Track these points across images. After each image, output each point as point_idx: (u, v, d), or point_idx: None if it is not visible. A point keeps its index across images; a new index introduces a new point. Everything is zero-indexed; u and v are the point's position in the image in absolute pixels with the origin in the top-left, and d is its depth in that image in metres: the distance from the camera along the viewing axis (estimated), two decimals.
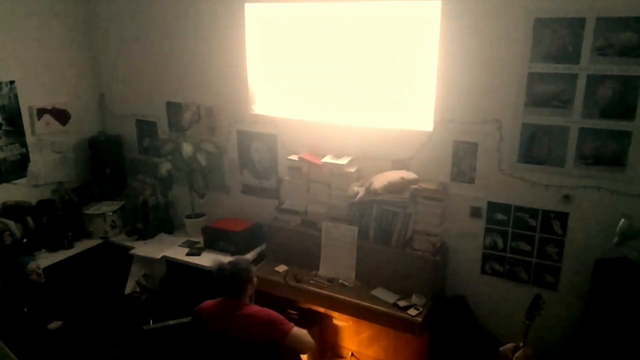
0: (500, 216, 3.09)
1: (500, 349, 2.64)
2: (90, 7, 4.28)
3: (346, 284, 3.28)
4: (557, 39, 2.71)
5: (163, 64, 4.07)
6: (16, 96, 3.84)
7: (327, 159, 3.39)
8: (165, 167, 3.83)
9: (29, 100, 3.92)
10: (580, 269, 2.92)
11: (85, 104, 4.38)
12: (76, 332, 3.44)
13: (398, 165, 3.28)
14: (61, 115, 4.18)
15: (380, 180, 3.15)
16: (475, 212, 3.15)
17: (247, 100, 3.73)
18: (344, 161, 3.34)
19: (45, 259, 3.65)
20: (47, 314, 3.21)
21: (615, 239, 2.61)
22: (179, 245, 3.89)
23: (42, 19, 3.97)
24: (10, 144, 3.85)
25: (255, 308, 2.64)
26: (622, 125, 2.66)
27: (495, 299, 3.22)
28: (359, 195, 3.21)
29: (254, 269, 2.74)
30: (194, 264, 3.63)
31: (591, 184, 2.81)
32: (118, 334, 3.78)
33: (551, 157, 2.87)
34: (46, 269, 3.39)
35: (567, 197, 2.88)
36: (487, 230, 3.14)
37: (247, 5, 3.52)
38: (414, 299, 3.06)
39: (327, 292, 3.22)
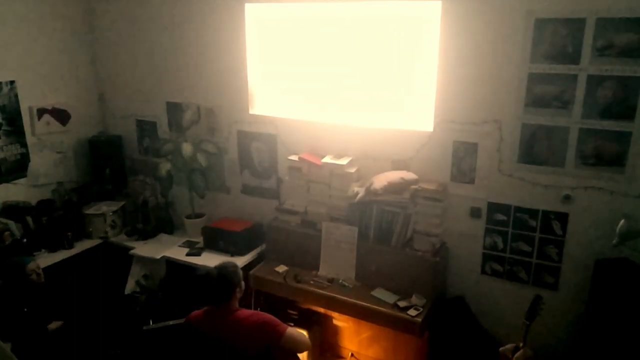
0: (500, 216, 3.09)
1: (500, 349, 2.64)
2: (90, 7, 4.28)
3: (346, 284, 3.28)
4: (557, 39, 2.71)
5: (163, 64, 4.07)
6: (16, 96, 3.84)
7: (327, 159, 3.39)
8: (165, 167, 3.83)
9: (29, 100, 3.92)
10: (580, 270, 2.92)
11: (85, 104, 4.38)
12: (76, 332, 3.44)
13: (398, 165, 3.28)
14: (61, 115, 4.18)
15: (381, 181, 3.15)
16: (475, 213, 3.15)
17: (247, 101, 3.73)
18: (344, 161, 3.34)
19: (45, 259, 3.65)
20: (47, 314, 3.21)
21: (615, 240, 2.60)
22: (179, 246, 3.89)
23: (43, 20, 3.97)
24: (11, 143, 3.85)
25: (246, 313, 2.57)
26: (622, 125, 2.66)
27: (495, 300, 3.22)
28: (359, 195, 3.21)
29: (241, 272, 2.67)
30: (194, 264, 3.63)
31: (591, 185, 2.81)
32: (118, 334, 3.78)
33: (551, 157, 2.87)
34: (46, 269, 3.38)
35: (567, 198, 2.88)
36: (487, 231, 3.14)
37: (247, 6, 3.52)
38: (414, 299, 3.06)
39: (327, 293, 3.22)
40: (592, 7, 2.60)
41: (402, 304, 3.04)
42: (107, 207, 4.16)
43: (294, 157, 3.51)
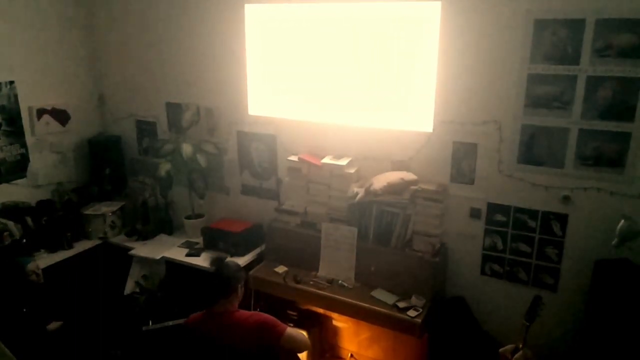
0: (499, 217, 3.09)
1: (500, 350, 2.65)
2: (90, 7, 4.28)
3: (346, 284, 3.28)
4: (556, 40, 2.71)
5: (163, 65, 4.07)
6: (16, 96, 3.84)
7: (327, 159, 3.39)
8: (164, 167, 3.83)
9: (28, 101, 3.92)
10: (579, 270, 2.92)
11: (84, 104, 4.38)
12: (75, 333, 3.44)
13: (398, 166, 3.28)
14: (61, 116, 4.18)
15: (380, 181, 3.15)
16: (474, 213, 3.15)
17: (247, 101, 3.72)
18: (343, 162, 3.34)
19: (44, 260, 3.64)
20: (46, 315, 3.21)
21: (615, 240, 2.61)
22: (179, 246, 3.89)
23: (42, 20, 3.97)
24: (10, 144, 3.85)
25: (245, 314, 2.57)
26: (621, 126, 2.66)
27: (494, 300, 3.22)
28: (359, 196, 3.21)
29: (244, 275, 2.70)
30: (194, 264, 3.63)
31: (591, 185, 2.81)
32: (117, 334, 3.78)
33: (551, 158, 2.87)
34: (45, 270, 3.39)
35: (566, 198, 2.88)
36: (487, 231, 3.14)
37: (247, 6, 3.52)
38: (414, 300, 3.06)
39: (327, 293, 3.22)
40: (591, 8, 2.60)
41: (401, 304, 3.04)
42: (106, 208, 4.16)
43: (294, 158, 3.51)
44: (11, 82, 3.80)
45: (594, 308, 2.71)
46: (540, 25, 2.73)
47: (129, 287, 3.84)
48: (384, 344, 3.36)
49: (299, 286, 3.30)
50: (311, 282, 3.32)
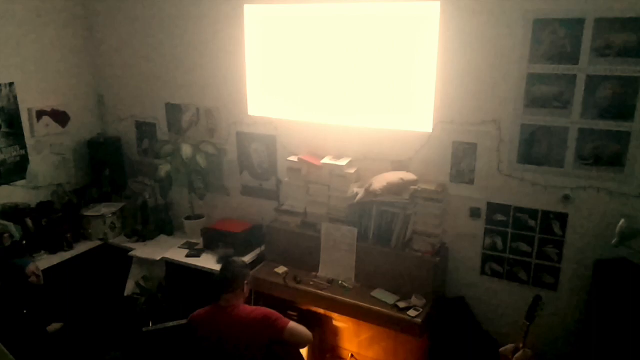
0: (499, 217, 3.08)
1: (500, 350, 2.65)
2: (89, 8, 4.28)
3: (346, 285, 3.28)
4: (556, 39, 2.71)
5: (162, 66, 4.07)
6: (15, 98, 3.84)
7: (327, 160, 3.39)
8: (164, 168, 3.83)
9: (28, 102, 3.92)
10: (579, 270, 2.92)
11: (84, 105, 4.38)
12: (76, 334, 3.44)
13: (397, 166, 3.28)
14: (60, 117, 4.18)
15: (380, 181, 3.15)
16: (474, 213, 3.15)
17: (247, 102, 3.72)
18: (343, 162, 3.34)
19: (44, 261, 3.65)
20: (46, 316, 3.21)
21: (615, 240, 2.60)
22: (179, 247, 3.89)
23: (42, 21, 3.97)
24: (10, 145, 3.85)
25: (248, 308, 2.64)
26: (621, 125, 2.66)
27: (495, 300, 3.22)
28: (359, 196, 3.21)
29: (249, 273, 2.77)
30: (194, 265, 3.63)
31: (591, 185, 2.81)
32: (117, 335, 3.78)
33: (551, 157, 2.87)
34: (45, 271, 3.38)
35: (566, 198, 2.88)
36: (487, 231, 3.14)
37: (246, 7, 3.52)
38: (414, 300, 3.06)
39: (327, 294, 3.22)
40: (590, 8, 2.60)
41: (402, 304, 3.04)
42: (106, 209, 4.16)
43: (294, 158, 3.51)
44: (11, 84, 3.80)
45: (594, 307, 2.71)
46: (540, 24, 2.73)
47: (129, 288, 3.84)
48: (385, 344, 3.36)
49: (299, 287, 3.30)
50: (311, 283, 3.32)
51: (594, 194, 2.81)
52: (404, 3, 3.05)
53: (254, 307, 2.68)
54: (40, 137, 4.03)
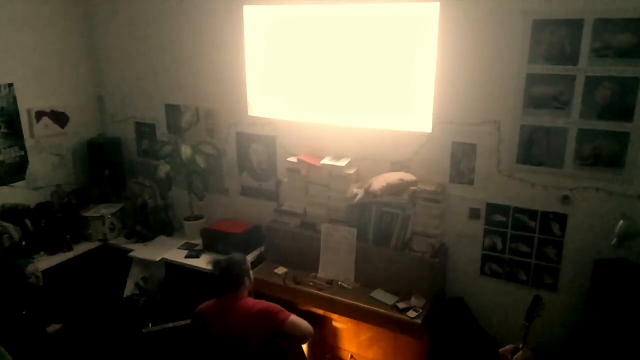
0: (499, 217, 3.09)
1: (500, 350, 2.65)
2: (89, 10, 4.28)
3: (346, 286, 3.28)
4: (555, 40, 2.72)
5: (162, 67, 4.07)
6: (15, 99, 3.84)
7: (326, 160, 3.39)
8: (164, 169, 3.83)
9: (27, 103, 3.92)
10: (579, 270, 2.92)
11: (84, 106, 4.38)
12: (75, 335, 3.43)
13: (397, 166, 3.28)
14: (60, 118, 4.18)
15: (380, 182, 3.15)
16: (474, 214, 3.15)
17: (246, 102, 3.73)
18: (343, 163, 3.34)
19: (44, 262, 3.64)
20: (46, 317, 3.21)
21: (614, 240, 2.61)
22: (178, 248, 3.89)
23: (41, 22, 3.97)
24: (9, 146, 3.85)
25: (252, 301, 2.68)
26: (620, 126, 2.67)
27: (494, 301, 3.22)
28: (358, 197, 3.20)
29: (249, 262, 2.80)
30: (193, 266, 3.63)
31: (590, 185, 2.81)
32: (117, 337, 3.78)
33: (550, 158, 2.88)
34: (45, 272, 3.38)
35: (566, 198, 2.88)
36: (487, 232, 3.14)
37: (245, 7, 3.52)
38: (414, 300, 3.06)
39: (327, 294, 3.22)
40: (590, 8, 2.60)
41: (401, 305, 3.04)
42: (106, 210, 4.16)
43: (293, 159, 3.51)
44: (10, 85, 3.80)
45: (593, 308, 2.71)
46: (539, 25, 2.73)
47: (129, 289, 3.84)
48: (384, 345, 3.35)
49: (299, 287, 3.30)
50: (311, 284, 3.32)
51: (594, 194, 2.81)
52: (404, 4, 3.06)
53: (257, 301, 2.72)
54: (39, 138, 4.04)
